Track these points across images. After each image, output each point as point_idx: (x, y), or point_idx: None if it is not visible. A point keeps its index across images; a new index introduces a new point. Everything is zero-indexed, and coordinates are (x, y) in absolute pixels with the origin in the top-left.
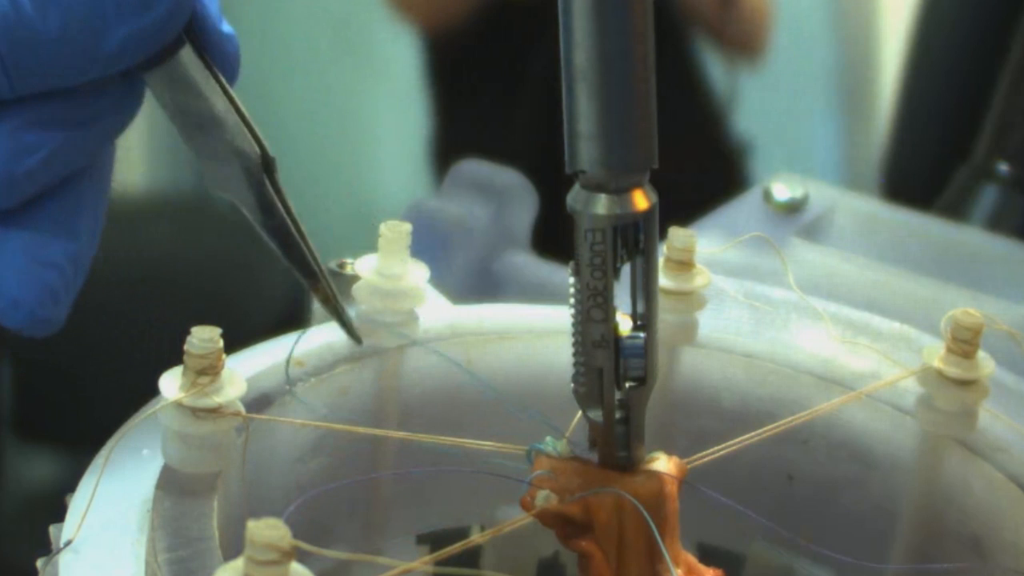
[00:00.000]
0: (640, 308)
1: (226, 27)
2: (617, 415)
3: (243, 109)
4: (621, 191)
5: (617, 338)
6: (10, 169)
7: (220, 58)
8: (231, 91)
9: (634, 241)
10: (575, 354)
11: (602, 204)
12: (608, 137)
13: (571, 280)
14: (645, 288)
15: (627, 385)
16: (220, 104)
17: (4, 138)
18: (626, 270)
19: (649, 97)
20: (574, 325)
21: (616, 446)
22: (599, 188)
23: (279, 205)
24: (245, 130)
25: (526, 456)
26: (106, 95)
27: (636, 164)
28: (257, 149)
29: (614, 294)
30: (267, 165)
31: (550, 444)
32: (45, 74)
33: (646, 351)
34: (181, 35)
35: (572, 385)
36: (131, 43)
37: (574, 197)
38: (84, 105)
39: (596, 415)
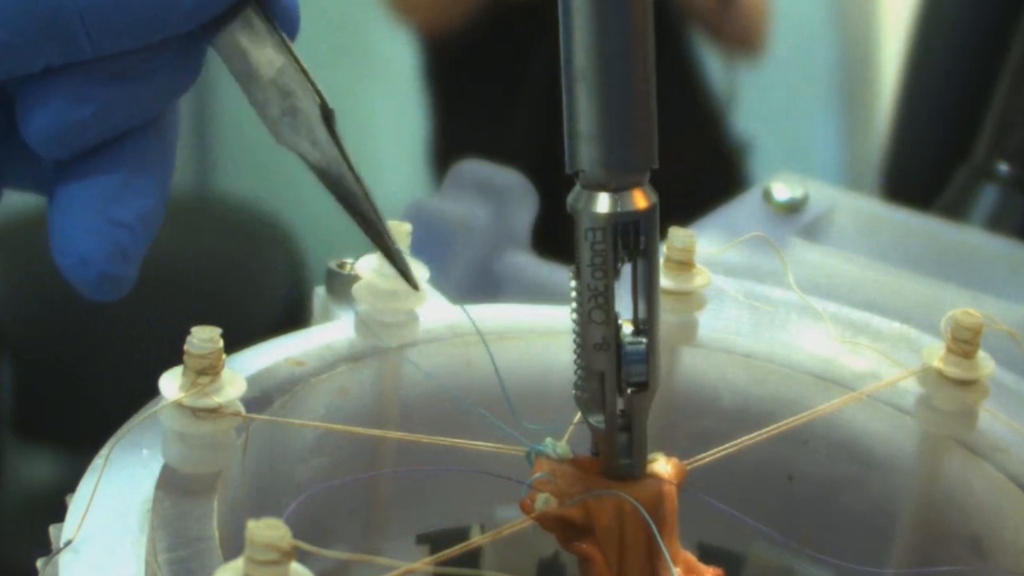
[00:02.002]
0: (641, 311)
1: None
2: (619, 421)
3: (303, 63)
4: (621, 190)
5: (619, 342)
6: (64, 119)
7: (281, 14)
8: (291, 46)
9: (634, 241)
10: (576, 359)
11: (602, 203)
12: (608, 137)
13: (571, 283)
14: (646, 290)
15: (629, 391)
16: (281, 60)
17: (62, 90)
18: (626, 274)
19: (649, 97)
20: (575, 328)
21: (618, 453)
22: (599, 188)
23: (340, 155)
24: (307, 84)
25: (526, 458)
26: (164, 53)
27: (636, 164)
28: (318, 100)
29: (615, 295)
30: (327, 117)
31: (550, 446)
32: (124, 34)
33: (648, 356)
34: None
35: (574, 391)
36: (205, 0)
37: (574, 197)
38: (139, 61)
39: (598, 421)
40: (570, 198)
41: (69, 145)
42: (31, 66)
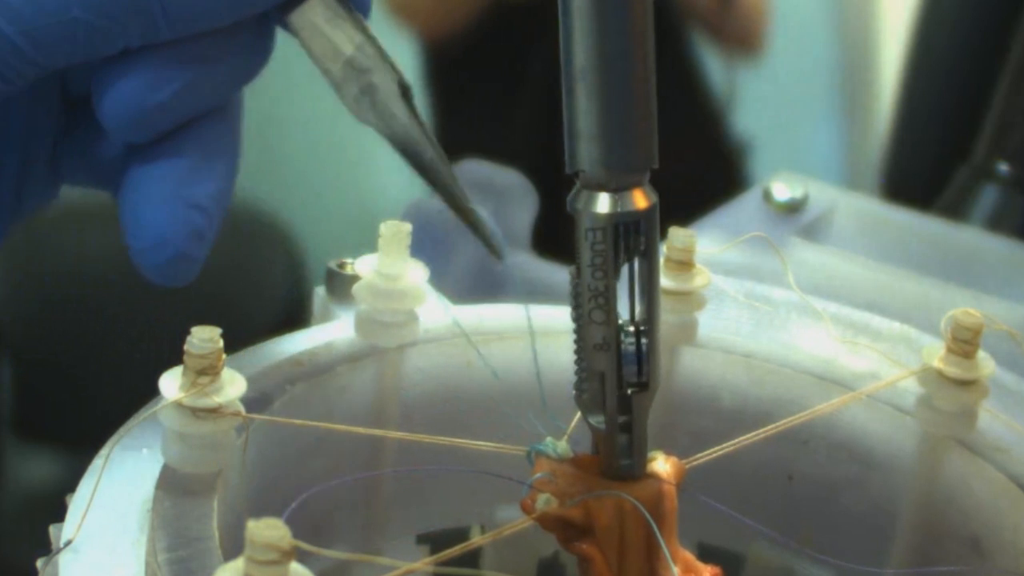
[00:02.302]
0: (641, 311)
1: None
2: (620, 421)
3: (378, 40)
4: (621, 190)
5: (619, 342)
6: (143, 102)
7: None
8: (366, 24)
9: (635, 241)
10: (577, 360)
11: (602, 203)
12: (608, 137)
13: (572, 283)
14: (646, 290)
15: (629, 391)
16: (359, 37)
17: (141, 73)
18: (625, 276)
19: (649, 97)
20: (575, 329)
21: (619, 454)
22: (599, 188)
23: (420, 130)
24: (382, 60)
25: (527, 457)
26: (238, 36)
27: (636, 164)
28: (395, 75)
29: (616, 295)
30: (404, 92)
31: (550, 445)
32: (201, 15)
33: (648, 356)
34: None
35: (574, 391)
36: None
37: (574, 197)
38: (216, 44)
39: (598, 422)
40: (570, 198)
41: (147, 128)
42: (111, 48)
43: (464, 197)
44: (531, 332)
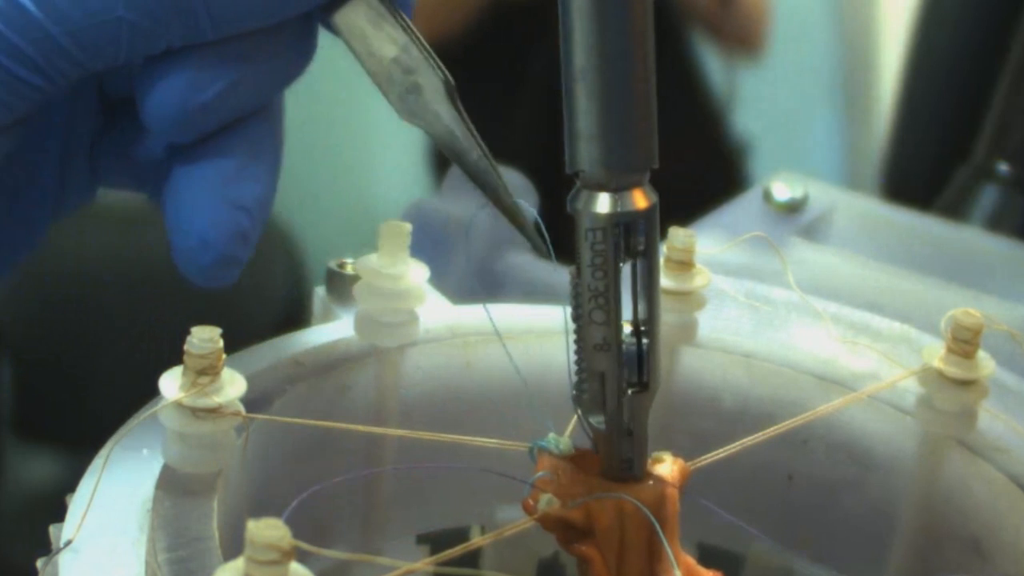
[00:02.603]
0: (642, 311)
1: None
2: (620, 422)
3: (423, 40)
4: (621, 190)
5: (619, 342)
6: (186, 102)
7: None
8: (410, 23)
9: (635, 241)
10: (577, 360)
11: (602, 203)
12: (608, 137)
13: (572, 283)
14: (646, 290)
15: (630, 392)
16: (404, 38)
17: (184, 73)
18: (627, 276)
19: (649, 97)
20: (576, 330)
21: (620, 455)
22: (599, 188)
23: (466, 130)
24: (427, 60)
25: (529, 453)
26: (281, 36)
27: (636, 164)
28: (441, 75)
29: (617, 295)
30: (450, 92)
31: (553, 441)
32: (244, 14)
33: (648, 356)
34: None
35: (573, 392)
36: None
37: (574, 197)
38: (259, 43)
39: (598, 422)
40: (570, 198)
41: (191, 129)
42: (155, 48)
43: (510, 197)
44: (496, 332)
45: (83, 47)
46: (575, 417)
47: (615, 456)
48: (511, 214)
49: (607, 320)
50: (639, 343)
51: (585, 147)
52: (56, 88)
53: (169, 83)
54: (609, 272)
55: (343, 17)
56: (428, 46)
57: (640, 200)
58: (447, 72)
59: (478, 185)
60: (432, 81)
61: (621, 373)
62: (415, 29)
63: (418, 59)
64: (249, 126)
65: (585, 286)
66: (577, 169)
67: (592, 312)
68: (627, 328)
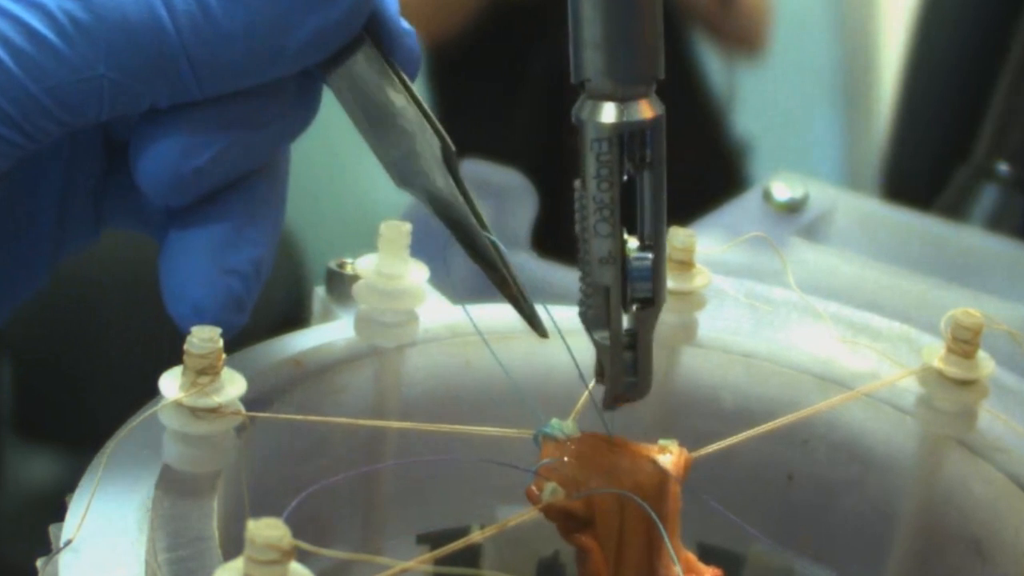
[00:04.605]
0: (647, 225)
1: (404, 24)
2: (624, 339)
3: (423, 103)
4: (627, 100)
5: (624, 256)
6: (179, 167)
7: (400, 54)
8: (411, 86)
9: (640, 154)
10: (581, 276)
11: (608, 113)
12: (613, 46)
13: (576, 196)
14: (652, 204)
15: (634, 307)
16: (400, 100)
17: (178, 136)
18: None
19: (655, 7)
20: (579, 243)
21: (624, 371)
22: (604, 97)
23: (461, 198)
24: (426, 124)
25: (533, 440)
26: (281, 96)
27: (641, 74)
28: (438, 142)
29: (621, 208)
30: (448, 158)
31: (556, 427)
32: (231, 74)
33: (654, 271)
34: (361, 32)
35: (578, 308)
36: (315, 40)
37: (579, 107)
38: (258, 106)
39: (603, 337)
40: (575, 108)
41: (186, 193)
42: (138, 107)
43: (506, 267)
44: (479, 333)
45: (63, 105)
46: (575, 410)
47: (619, 373)
48: (506, 288)
49: (612, 232)
50: (645, 257)
51: (590, 56)
52: (37, 145)
53: (162, 147)
54: (615, 183)
55: (340, 76)
56: (428, 109)
57: (646, 110)
58: (446, 136)
59: (472, 256)
60: (429, 147)
61: (626, 286)
62: (414, 90)
63: (416, 123)
64: (249, 185)
65: (590, 198)
66: (582, 78)
67: (597, 224)
68: (633, 241)
